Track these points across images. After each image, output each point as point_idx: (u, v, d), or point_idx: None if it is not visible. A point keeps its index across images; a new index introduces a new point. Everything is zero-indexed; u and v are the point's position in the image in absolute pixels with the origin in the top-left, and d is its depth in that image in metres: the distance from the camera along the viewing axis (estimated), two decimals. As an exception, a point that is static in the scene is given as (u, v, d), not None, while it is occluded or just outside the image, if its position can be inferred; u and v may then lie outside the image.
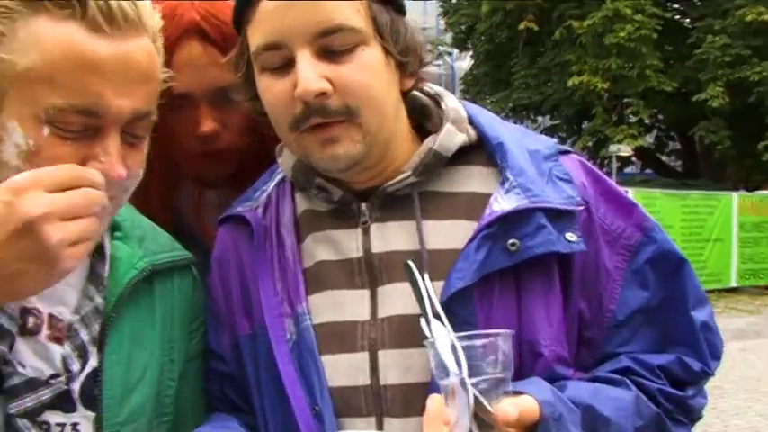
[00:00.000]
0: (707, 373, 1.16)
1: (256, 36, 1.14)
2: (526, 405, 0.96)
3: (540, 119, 14.12)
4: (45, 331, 1.09)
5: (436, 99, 1.25)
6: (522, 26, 12.57)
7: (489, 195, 1.15)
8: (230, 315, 1.27)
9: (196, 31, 1.38)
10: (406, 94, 1.23)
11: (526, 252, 1.11)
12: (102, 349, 1.14)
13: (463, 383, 0.95)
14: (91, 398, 1.12)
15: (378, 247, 1.19)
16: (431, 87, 1.28)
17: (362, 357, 1.15)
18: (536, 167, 1.18)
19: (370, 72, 1.13)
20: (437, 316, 1.06)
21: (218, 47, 1.37)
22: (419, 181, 1.18)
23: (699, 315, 1.18)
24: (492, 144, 1.18)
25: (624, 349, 1.18)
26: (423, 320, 1.06)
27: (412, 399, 1.10)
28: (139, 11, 1.08)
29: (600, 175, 1.24)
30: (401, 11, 1.20)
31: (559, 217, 1.13)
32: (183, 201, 1.59)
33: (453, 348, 0.99)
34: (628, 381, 1.13)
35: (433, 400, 0.96)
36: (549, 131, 13.89)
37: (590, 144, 13.76)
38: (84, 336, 1.13)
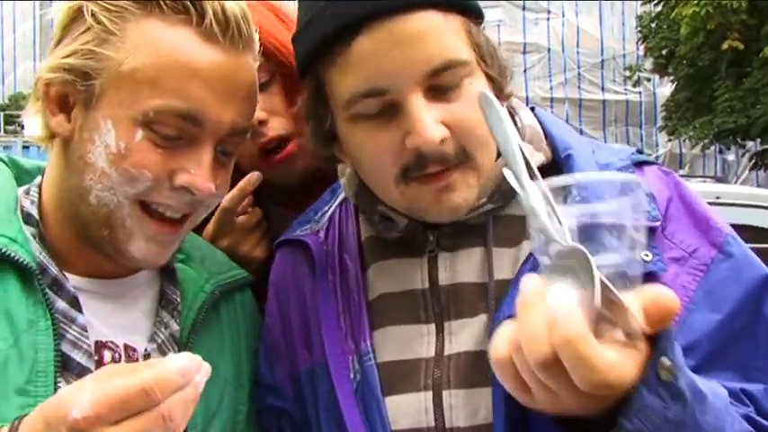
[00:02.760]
0: None
1: (349, 82, 1.03)
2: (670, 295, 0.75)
3: (749, 143, 13.10)
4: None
5: (510, 112, 1.17)
6: (725, 46, 11.81)
7: None
8: (289, 346, 1.21)
9: None
10: None
11: None
12: None
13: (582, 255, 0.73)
14: None
15: (445, 278, 1.11)
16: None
17: (426, 397, 1.07)
18: None
19: (478, 108, 1.00)
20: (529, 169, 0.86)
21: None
22: (495, 207, 1.10)
23: None
24: (561, 156, 1.09)
25: None
26: (507, 171, 0.87)
27: None
28: (250, 24, 1.06)
29: (679, 184, 1.12)
30: (480, 19, 1.09)
31: None
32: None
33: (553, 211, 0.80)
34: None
35: (531, 278, 0.78)
36: (760, 156, 12.89)
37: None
38: None
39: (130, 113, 1.00)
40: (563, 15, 15.75)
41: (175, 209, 1.05)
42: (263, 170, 1.43)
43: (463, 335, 1.08)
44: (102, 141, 1.01)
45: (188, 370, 0.80)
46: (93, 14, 1.00)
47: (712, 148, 13.90)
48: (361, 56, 1.00)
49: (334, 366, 1.11)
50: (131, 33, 1.00)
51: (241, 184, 1.39)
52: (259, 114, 1.37)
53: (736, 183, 14.45)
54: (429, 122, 1.00)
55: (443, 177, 1.04)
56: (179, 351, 1.13)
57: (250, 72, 1.07)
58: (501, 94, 1.10)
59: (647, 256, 1.02)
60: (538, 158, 1.11)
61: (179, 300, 1.16)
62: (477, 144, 1.04)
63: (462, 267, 1.11)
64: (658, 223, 1.06)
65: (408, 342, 1.11)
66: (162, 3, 1.00)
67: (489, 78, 1.06)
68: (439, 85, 1.02)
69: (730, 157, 15.75)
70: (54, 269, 1.05)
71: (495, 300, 1.07)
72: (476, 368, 1.05)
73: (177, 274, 1.18)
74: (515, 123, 1.17)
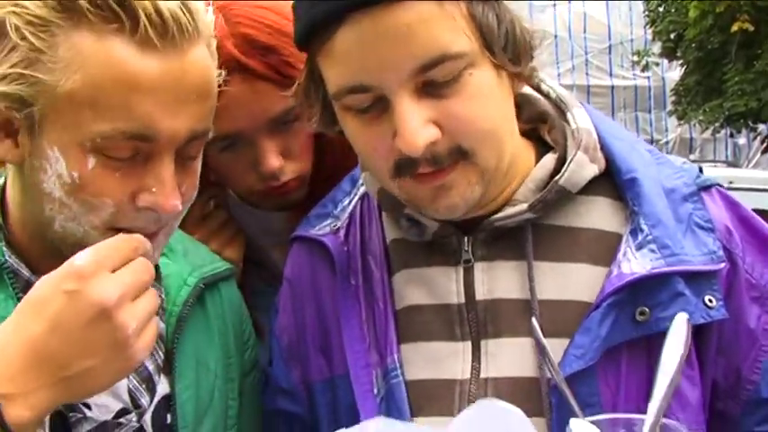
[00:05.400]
0: None
1: (335, 74, 0.96)
2: None
3: (760, 126, 12.99)
4: None
5: (560, 107, 1.08)
6: (735, 28, 11.68)
7: (615, 235, 0.99)
8: (303, 349, 1.13)
9: (236, 66, 1.25)
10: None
11: (657, 324, 0.93)
12: (172, 375, 1.07)
13: None
14: (163, 426, 1.05)
15: (483, 292, 1.02)
16: (550, 87, 1.10)
17: None
18: (673, 211, 0.98)
19: (481, 101, 0.94)
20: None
21: (263, 77, 1.27)
22: (535, 216, 1.01)
23: None
24: (623, 178, 1.00)
25: (763, 429, 0.97)
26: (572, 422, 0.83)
27: None
28: (193, 15, 0.96)
29: (746, 213, 1.04)
30: None
31: (698, 277, 0.94)
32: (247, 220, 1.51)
33: None
34: None
35: None
36: (772, 140, 12.79)
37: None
38: (150, 365, 1.05)
39: (77, 139, 0.92)
40: (569, 1, 15.64)
41: (146, 229, 0.99)
42: (254, 199, 1.38)
43: (503, 357, 1.01)
44: (54, 171, 0.93)
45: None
46: (17, 29, 0.91)
47: (723, 131, 13.79)
48: (344, 49, 0.93)
49: (357, 381, 1.04)
50: (62, 50, 0.91)
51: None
52: (281, 165, 1.32)
53: (747, 166, 14.34)
54: (414, 126, 0.91)
55: (438, 177, 0.96)
56: (166, 350, 1.09)
57: (201, 69, 0.97)
58: (513, 82, 1.01)
59: (710, 301, 0.96)
60: (591, 170, 1.02)
61: (163, 297, 1.11)
62: (476, 140, 0.95)
63: (501, 281, 1.03)
64: (723, 265, 0.98)
65: (441, 360, 1.03)
66: (89, 13, 0.90)
67: (499, 67, 0.97)
68: (432, 81, 0.93)
69: (741, 140, 15.64)
70: (26, 272, 1.00)
71: (538, 321, 0.98)
72: (521, 396, 0.97)
73: (160, 270, 1.13)
74: (567, 120, 1.06)
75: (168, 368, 1.09)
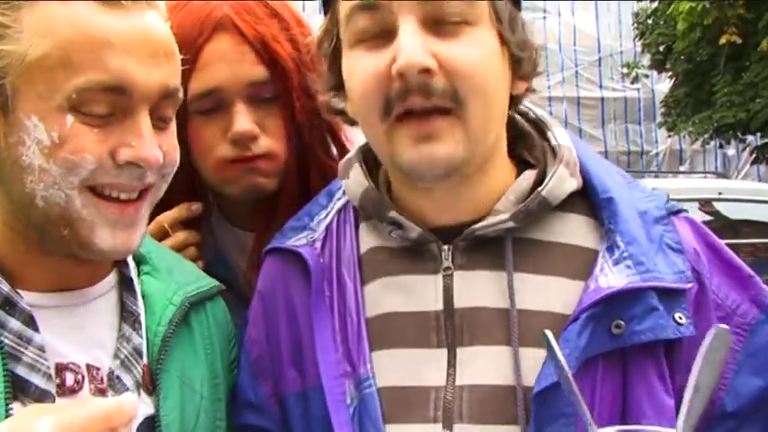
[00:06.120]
0: None
1: None
2: None
3: (749, 137, 13.06)
4: (87, 386, 1.00)
5: (540, 127, 1.12)
6: (723, 40, 11.76)
7: (591, 252, 1.02)
8: (276, 363, 1.14)
9: (229, 25, 1.33)
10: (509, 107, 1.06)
11: (632, 338, 0.96)
12: (156, 396, 1.06)
13: None
14: None
15: (461, 300, 1.03)
16: (531, 110, 1.14)
17: (435, 430, 1.00)
18: (646, 232, 1.02)
19: (483, 54, 0.97)
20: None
21: (251, 45, 1.33)
22: (516, 227, 1.04)
23: None
24: (600, 197, 1.04)
25: None
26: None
27: None
28: None
29: (713, 239, 1.08)
30: (517, 4, 1.04)
31: (669, 294, 0.98)
32: (222, 239, 1.54)
33: None
34: None
35: None
36: (761, 150, 12.83)
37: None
38: (128, 381, 1.04)
39: (54, 103, 0.94)
40: (559, 14, 15.72)
41: (128, 189, 1.00)
42: (225, 175, 1.40)
43: (479, 364, 1.02)
44: (33, 139, 0.94)
45: (135, 407, 0.81)
46: None
47: (712, 143, 13.84)
48: None
49: (330, 391, 1.04)
50: (26, 21, 0.94)
51: (181, 207, 1.38)
52: (252, 129, 1.35)
53: (737, 178, 14.41)
54: (414, 44, 0.95)
55: (425, 123, 0.98)
56: (146, 365, 1.08)
57: (162, 29, 1.01)
58: (517, 69, 1.04)
59: (680, 318, 0.99)
60: (570, 184, 1.06)
61: (140, 311, 1.10)
62: (470, 90, 0.97)
63: (480, 290, 1.05)
64: (691, 285, 1.02)
65: (416, 367, 1.04)
66: None
67: (503, 40, 1.01)
68: (438, 17, 0.96)
69: (731, 151, 15.71)
70: (5, 287, 0.99)
71: (517, 330, 1.01)
72: (495, 404, 0.99)
73: (138, 284, 1.12)
74: (548, 140, 1.10)
75: (152, 388, 1.08)
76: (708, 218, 6.68)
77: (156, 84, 0.99)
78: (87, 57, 0.94)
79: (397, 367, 1.06)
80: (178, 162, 1.07)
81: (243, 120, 1.36)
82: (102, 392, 1.02)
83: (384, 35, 0.98)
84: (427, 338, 1.05)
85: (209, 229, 1.54)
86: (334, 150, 1.52)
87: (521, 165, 1.11)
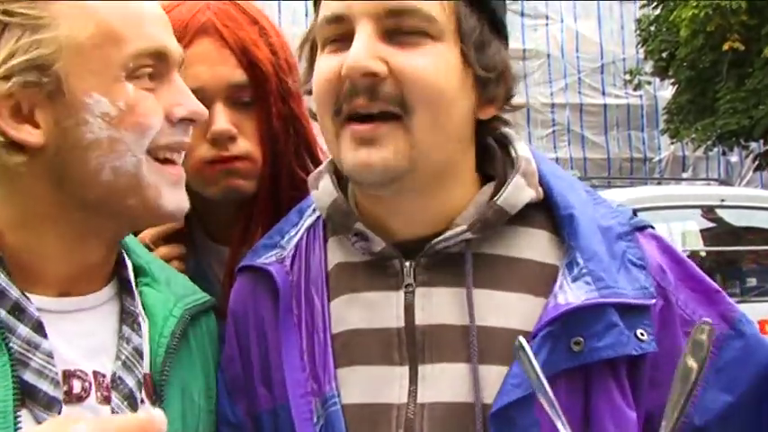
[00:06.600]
0: None
1: (323, 9, 1.04)
2: None
3: (752, 144, 13.05)
4: (94, 394, 1.01)
5: (502, 141, 1.12)
6: (726, 47, 11.77)
7: (552, 267, 1.02)
8: (248, 381, 1.14)
9: (212, 30, 1.41)
10: (479, 129, 1.07)
11: (591, 354, 0.96)
12: (161, 406, 1.08)
13: None
14: None
15: (422, 317, 1.03)
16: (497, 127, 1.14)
17: None
18: (607, 248, 1.02)
19: (435, 65, 0.97)
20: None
21: (232, 49, 1.40)
22: (474, 239, 1.03)
23: None
24: (561, 213, 1.04)
25: None
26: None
27: None
28: None
29: (679, 255, 1.08)
30: (500, 33, 1.04)
31: (631, 310, 0.98)
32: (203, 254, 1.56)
33: None
34: None
35: None
36: (764, 157, 12.82)
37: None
38: (131, 382, 1.05)
39: (111, 74, 1.00)
40: (562, 21, 15.73)
41: (180, 147, 1.09)
42: (204, 176, 1.44)
43: (440, 382, 1.02)
44: (99, 114, 0.99)
45: (164, 422, 0.81)
46: (4, 12, 0.97)
47: (715, 150, 13.83)
48: None
49: (296, 410, 1.05)
50: (55, 9, 0.98)
51: (163, 227, 1.42)
52: (230, 129, 1.40)
53: (740, 184, 14.39)
54: (363, 47, 0.97)
55: (367, 126, 0.99)
56: (153, 381, 1.09)
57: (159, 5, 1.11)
58: (483, 91, 1.03)
59: (642, 334, 0.99)
60: (528, 194, 1.06)
61: (138, 311, 1.11)
62: (417, 97, 0.97)
63: (441, 307, 1.04)
64: (654, 300, 1.02)
65: (378, 385, 1.04)
66: None
67: (466, 60, 1.01)
68: (396, 28, 0.98)
69: (733, 158, 15.69)
70: (15, 293, 0.99)
71: (477, 347, 1.01)
72: (455, 421, 0.99)
73: (137, 290, 1.14)
74: (509, 153, 1.10)
75: (156, 398, 1.09)
76: (711, 225, 6.67)
77: (178, 52, 1.10)
78: (132, 30, 1.03)
79: (360, 384, 1.05)
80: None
81: (222, 119, 1.42)
82: (106, 399, 1.02)
83: (346, 39, 1.01)
84: (390, 356, 1.05)
85: (193, 244, 1.58)
86: (311, 166, 1.55)
87: (486, 180, 1.12)
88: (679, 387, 0.86)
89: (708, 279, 1.11)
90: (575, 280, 1.00)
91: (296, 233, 1.19)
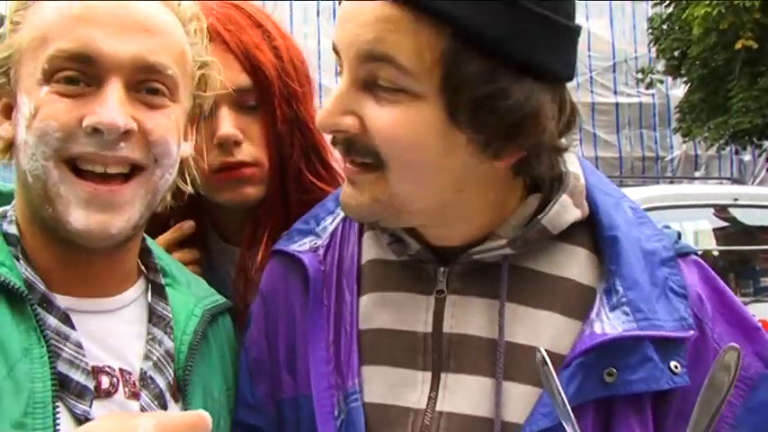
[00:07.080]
0: None
1: None
2: None
3: (765, 143, 12.97)
4: (122, 390, 1.02)
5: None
6: (739, 45, 11.70)
7: (589, 290, 0.99)
8: (273, 365, 1.14)
9: (214, 34, 1.38)
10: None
11: (624, 387, 0.94)
12: (185, 403, 1.09)
13: None
14: None
15: (451, 325, 1.01)
16: None
17: None
18: (649, 274, 0.98)
19: (412, 124, 0.92)
20: None
21: (235, 53, 1.40)
22: (514, 253, 1.01)
23: None
24: (605, 234, 1.00)
25: None
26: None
27: None
28: None
29: (720, 285, 1.04)
30: (535, 68, 0.94)
31: (667, 342, 0.95)
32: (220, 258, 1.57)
33: None
34: None
35: None
36: (778, 157, 12.77)
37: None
38: (161, 383, 1.06)
39: (35, 78, 0.99)
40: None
41: (100, 160, 0.98)
42: (213, 184, 1.43)
43: (460, 392, 1.00)
44: (25, 117, 0.99)
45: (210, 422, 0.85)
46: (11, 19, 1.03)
47: (728, 148, 13.75)
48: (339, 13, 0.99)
49: (319, 403, 1.04)
50: (30, 16, 1.02)
51: (174, 229, 1.43)
52: (236, 133, 1.41)
53: (753, 183, 14.30)
54: (330, 103, 0.97)
55: (351, 170, 1.00)
56: (176, 378, 1.10)
57: (150, 9, 1.04)
58: (484, 148, 0.95)
59: (676, 367, 0.97)
60: (573, 214, 1.02)
61: (170, 315, 1.12)
62: (391, 156, 0.94)
63: (471, 317, 1.02)
64: (692, 333, 0.99)
65: (399, 386, 1.03)
66: None
67: (454, 116, 0.92)
68: (374, 80, 0.94)
69: (746, 157, 15.61)
70: (42, 285, 1.01)
71: (503, 363, 0.98)
72: None
73: (166, 291, 1.15)
74: (560, 168, 1.06)
75: (179, 395, 1.10)
76: (723, 224, 6.63)
77: (126, 54, 0.99)
78: (58, 31, 1.00)
79: (382, 384, 1.05)
80: (172, 146, 1.06)
81: (227, 124, 1.42)
82: (135, 396, 1.04)
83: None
84: (414, 359, 1.04)
85: (207, 247, 1.59)
86: (320, 168, 1.55)
87: (530, 182, 1.07)
88: (703, 408, 0.85)
89: (748, 314, 1.06)
90: (613, 309, 0.98)
91: (332, 222, 1.18)
